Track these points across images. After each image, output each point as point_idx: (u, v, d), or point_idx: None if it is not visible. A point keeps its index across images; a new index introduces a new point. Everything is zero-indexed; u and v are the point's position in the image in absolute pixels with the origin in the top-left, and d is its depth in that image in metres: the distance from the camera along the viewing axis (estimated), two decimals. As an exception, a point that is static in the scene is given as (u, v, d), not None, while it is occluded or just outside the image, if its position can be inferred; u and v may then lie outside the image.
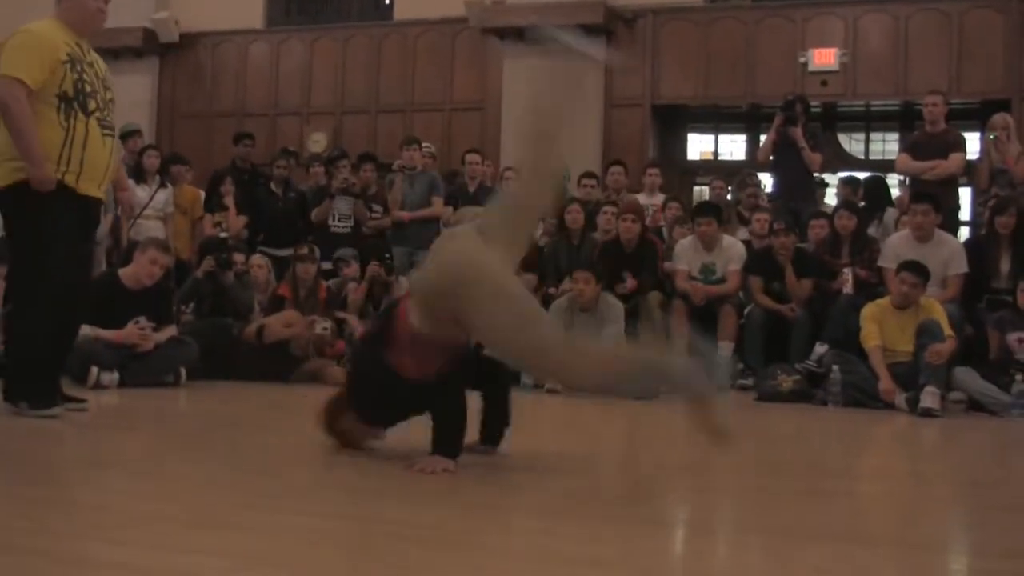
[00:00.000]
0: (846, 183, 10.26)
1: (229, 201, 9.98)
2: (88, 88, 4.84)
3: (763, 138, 11.08)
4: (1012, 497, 3.87)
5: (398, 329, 3.66)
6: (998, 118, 9.13)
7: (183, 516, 2.80)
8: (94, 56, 5.05)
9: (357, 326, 7.72)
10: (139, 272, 6.75)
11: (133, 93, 14.17)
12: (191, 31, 14.94)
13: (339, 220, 9.81)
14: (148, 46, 14.73)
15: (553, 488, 3.48)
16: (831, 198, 10.81)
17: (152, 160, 9.56)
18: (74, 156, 4.76)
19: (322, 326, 7.51)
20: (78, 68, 4.82)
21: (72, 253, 4.83)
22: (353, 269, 8.61)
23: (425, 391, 3.62)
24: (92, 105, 4.85)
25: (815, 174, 9.99)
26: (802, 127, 9.56)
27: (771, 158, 9.79)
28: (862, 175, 10.67)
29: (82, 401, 5.12)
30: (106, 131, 4.93)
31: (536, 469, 3.78)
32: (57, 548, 2.37)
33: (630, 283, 8.17)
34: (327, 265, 8.95)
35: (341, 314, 7.84)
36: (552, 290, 8.27)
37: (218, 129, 14.28)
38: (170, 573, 2.15)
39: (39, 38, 4.78)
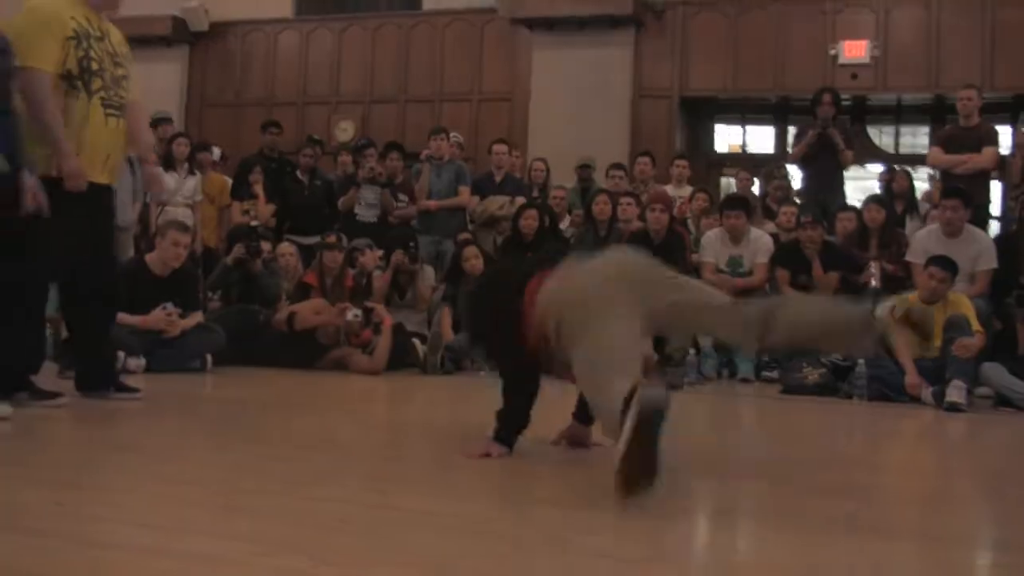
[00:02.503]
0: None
1: (258, 189, 10.02)
2: (95, 66, 4.68)
3: (791, 130, 11.06)
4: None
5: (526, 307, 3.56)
6: (1031, 112, 9.06)
7: (208, 501, 2.82)
8: (107, 29, 4.87)
9: (384, 314, 7.74)
10: (164, 256, 6.79)
11: (162, 81, 14.27)
12: (221, 20, 15.01)
13: (366, 209, 9.83)
14: (178, 35, 14.82)
15: (575, 479, 3.48)
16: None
17: (182, 148, 9.60)
18: (70, 138, 4.60)
19: (353, 313, 7.53)
20: (84, 45, 4.65)
21: (75, 245, 4.69)
22: (369, 258, 8.61)
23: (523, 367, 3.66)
24: (97, 84, 4.69)
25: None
26: (833, 120, 9.55)
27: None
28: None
29: (135, 390, 5.11)
30: (110, 111, 4.77)
31: (558, 459, 3.78)
32: (83, 531, 2.39)
33: None
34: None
35: (369, 303, 7.86)
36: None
37: (246, 117, 14.34)
38: (194, 557, 2.16)
39: (46, 15, 4.61)
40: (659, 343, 7.48)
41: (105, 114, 4.75)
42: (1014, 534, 2.95)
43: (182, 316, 6.81)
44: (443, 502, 2.92)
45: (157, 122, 10.31)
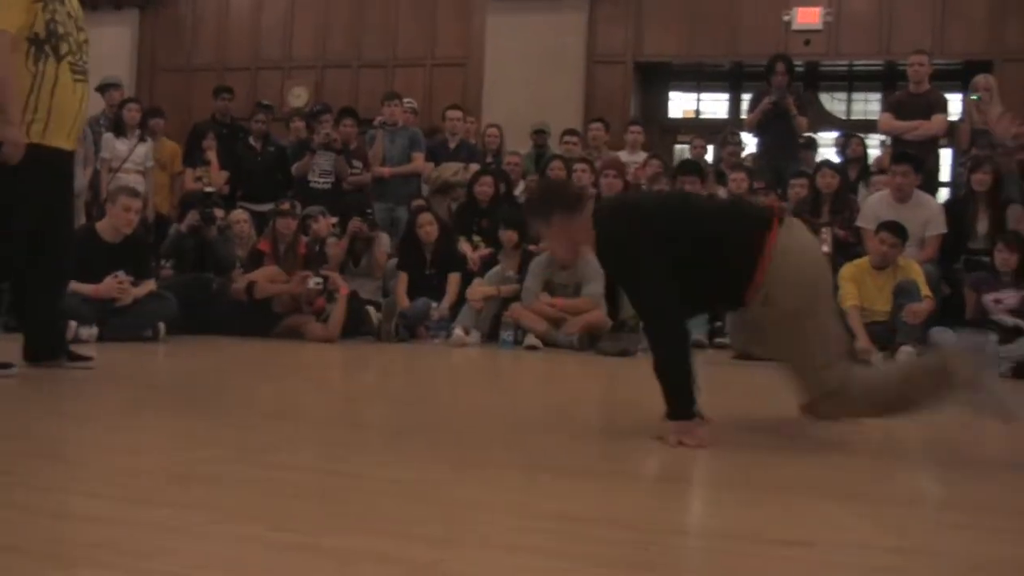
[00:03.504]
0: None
1: (211, 155, 9.94)
2: (60, 29, 4.59)
3: (745, 97, 11.11)
4: (981, 453, 3.93)
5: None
6: (981, 79, 9.17)
7: (163, 469, 2.81)
8: None
9: (340, 282, 7.73)
10: (115, 222, 6.71)
11: (112, 45, 14.04)
12: (171, -17, 14.81)
13: (320, 176, 9.77)
14: (128, -2, 14.58)
15: (532, 443, 3.50)
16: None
17: (132, 113, 9.49)
18: (41, 104, 4.52)
19: (315, 281, 7.50)
20: (51, 7, 4.56)
21: (39, 213, 4.63)
22: (322, 225, 8.57)
23: None
24: (64, 48, 4.60)
25: (804, 135, 10.05)
26: (788, 88, 9.62)
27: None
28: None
29: (88, 359, 5.06)
30: (78, 76, 4.69)
31: (516, 424, 3.80)
32: (36, 502, 2.38)
33: None
34: None
35: (326, 271, 7.84)
36: (532, 247, 8.28)
37: (198, 83, 14.18)
38: (149, 526, 2.16)
39: None
40: (614, 308, 7.53)
41: (73, 80, 4.67)
42: (957, 494, 3.01)
43: (134, 284, 6.76)
44: (400, 468, 2.93)
45: (106, 87, 10.19)
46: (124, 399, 4.42)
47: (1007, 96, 9.67)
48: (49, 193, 4.70)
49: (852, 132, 10.79)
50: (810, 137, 10.66)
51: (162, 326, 6.93)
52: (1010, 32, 11.75)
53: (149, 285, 6.95)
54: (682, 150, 13.04)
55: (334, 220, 8.83)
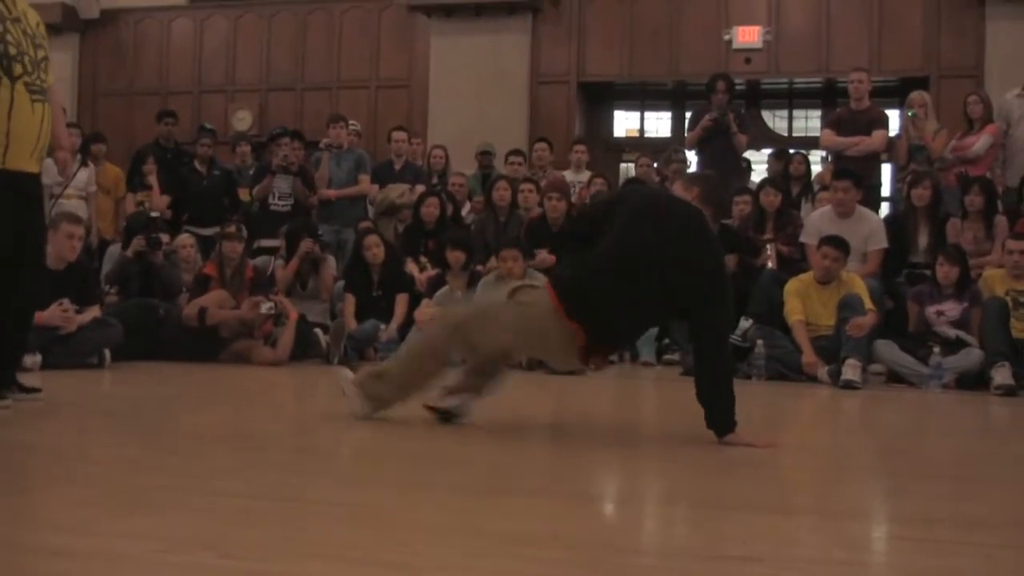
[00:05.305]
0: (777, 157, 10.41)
1: (152, 180, 9.86)
2: (13, 50, 4.39)
3: (688, 115, 11.20)
4: (928, 466, 3.98)
5: None
6: (916, 96, 9.33)
7: (109, 499, 2.78)
8: (24, 9, 4.57)
9: (289, 307, 7.68)
10: (58, 250, 6.60)
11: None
12: (112, 7, 14.68)
13: (279, 199, 9.73)
14: (68, 22, 14.42)
15: (484, 463, 3.50)
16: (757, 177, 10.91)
17: (73, 138, 9.38)
18: None
19: (267, 306, 7.45)
20: (1, 27, 4.38)
21: (8, 239, 4.45)
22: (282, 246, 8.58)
23: None
24: (18, 69, 4.40)
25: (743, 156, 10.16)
26: (728, 106, 9.72)
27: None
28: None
29: (36, 391, 4.95)
30: (35, 96, 4.50)
31: (467, 444, 3.80)
32: (-18, 534, 2.34)
33: (541, 256, 8.21)
34: (274, 242, 8.99)
35: (277, 296, 7.79)
36: (480, 267, 8.29)
37: (140, 107, 14.07)
38: (100, 557, 2.14)
39: None
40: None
41: (31, 100, 4.48)
42: (907, 507, 3.04)
43: (79, 311, 6.67)
44: (350, 492, 2.92)
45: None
46: (69, 428, 4.37)
47: (943, 112, 9.86)
48: (17, 218, 4.53)
49: (789, 149, 10.92)
50: (746, 159, 10.78)
51: (107, 353, 6.86)
52: (945, 49, 11.97)
53: (94, 311, 6.87)
54: (627, 168, 13.12)
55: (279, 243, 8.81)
